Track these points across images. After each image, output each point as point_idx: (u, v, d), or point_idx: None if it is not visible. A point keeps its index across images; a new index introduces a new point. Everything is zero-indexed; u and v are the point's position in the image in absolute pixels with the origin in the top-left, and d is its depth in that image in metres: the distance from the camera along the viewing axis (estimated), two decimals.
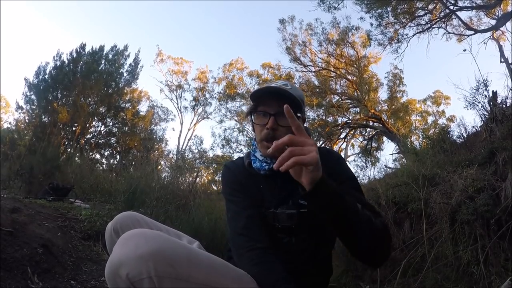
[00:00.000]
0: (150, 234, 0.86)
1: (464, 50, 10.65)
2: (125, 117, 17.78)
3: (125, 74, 16.96)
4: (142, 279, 0.79)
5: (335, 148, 16.09)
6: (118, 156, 17.55)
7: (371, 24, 11.96)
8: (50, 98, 14.60)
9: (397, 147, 12.28)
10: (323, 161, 1.19)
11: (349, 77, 15.06)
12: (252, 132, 1.34)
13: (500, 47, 10.13)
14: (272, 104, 1.16)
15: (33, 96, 14.99)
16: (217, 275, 0.90)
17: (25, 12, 39.09)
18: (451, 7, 10.13)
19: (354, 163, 17.82)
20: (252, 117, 1.21)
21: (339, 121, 14.71)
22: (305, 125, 1.33)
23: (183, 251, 0.87)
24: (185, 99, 23.25)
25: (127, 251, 0.81)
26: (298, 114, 1.20)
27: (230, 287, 0.91)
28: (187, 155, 19.95)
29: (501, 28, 10.13)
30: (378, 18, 11.56)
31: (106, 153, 18.08)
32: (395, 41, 11.67)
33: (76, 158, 12.31)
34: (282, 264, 1.03)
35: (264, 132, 1.16)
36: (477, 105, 4.70)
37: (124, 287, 0.80)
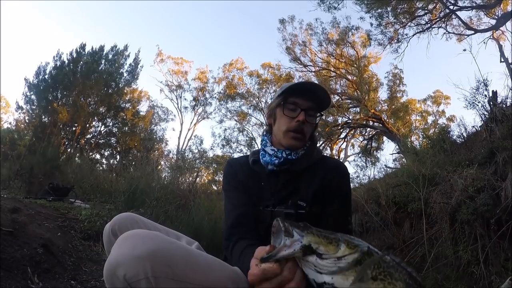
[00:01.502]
0: (148, 235, 0.86)
1: (464, 50, 10.68)
2: (125, 117, 17.78)
3: (125, 74, 16.95)
4: (139, 280, 0.79)
5: (335, 148, 16.11)
6: (118, 156, 17.56)
7: (371, 24, 11.98)
8: (50, 98, 14.61)
9: (397, 147, 12.29)
10: (328, 171, 1.22)
11: (349, 77, 15.07)
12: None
13: (500, 47, 10.14)
14: (303, 99, 1.24)
15: (33, 96, 14.99)
16: (214, 276, 0.90)
17: (25, 12, 39.12)
18: (451, 7, 10.14)
19: (354, 163, 17.84)
20: (283, 109, 1.25)
21: (339, 121, 14.71)
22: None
23: (180, 251, 0.87)
24: (185, 99, 23.22)
25: (125, 251, 0.81)
26: (321, 113, 1.31)
27: (227, 286, 0.91)
28: (187, 155, 19.95)
29: (501, 28, 10.14)
30: (378, 18, 11.56)
31: (106, 153, 18.08)
32: (395, 41, 11.68)
33: (76, 158, 12.32)
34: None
35: (294, 124, 1.22)
36: (477, 105, 4.71)
37: None
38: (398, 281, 0.69)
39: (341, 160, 16.14)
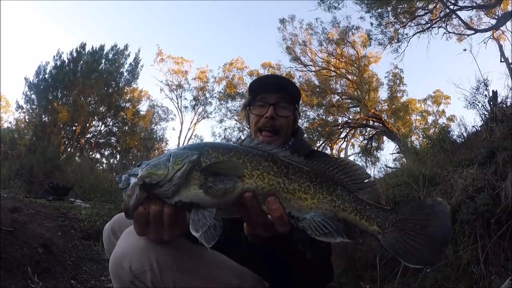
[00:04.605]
0: None
1: (464, 50, 10.61)
2: (125, 117, 17.79)
3: (125, 74, 16.97)
4: (145, 271, 0.79)
5: (335, 147, 16.10)
6: (118, 156, 17.57)
7: (371, 24, 11.98)
8: (50, 98, 14.61)
9: (397, 146, 12.29)
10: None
11: (349, 76, 15.05)
12: (247, 127, 1.34)
13: (500, 47, 10.14)
14: (272, 94, 1.20)
15: (33, 96, 15.01)
16: (219, 269, 0.91)
17: (25, 12, 39.13)
18: (451, 7, 10.13)
19: None
20: (250, 109, 1.23)
21: (339, 121, 14.70)
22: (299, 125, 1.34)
23: (185, 245, 0.87)
24: (185, 98, 23.17)
25: (130, 243, 0.82)
26: (296, 105, 1.26)
27: (231, 281, 0.91)
28: None
29: (501, 28, 10.13)
30: (378, 18, 11.56)
31: (106, 153, 18.11)
32: (395, 40, 11.67)
33: (76, 158, 12.34)
34: None
35: (263, 120, 1.18)
36: (477, 105, 4.72)
37: (127, 280, 0.81)
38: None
39: None
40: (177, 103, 23.09)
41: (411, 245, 0.71)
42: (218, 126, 26.72)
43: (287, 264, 0.90)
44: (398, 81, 16.23)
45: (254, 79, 1.32)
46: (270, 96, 1.20)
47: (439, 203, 0.74)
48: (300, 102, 1.33)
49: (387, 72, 16.26)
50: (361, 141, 17.36)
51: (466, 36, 10.77)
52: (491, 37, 10.50)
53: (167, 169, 0.72)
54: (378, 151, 17.17)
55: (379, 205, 0.76)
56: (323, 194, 0.74)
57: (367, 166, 16.23)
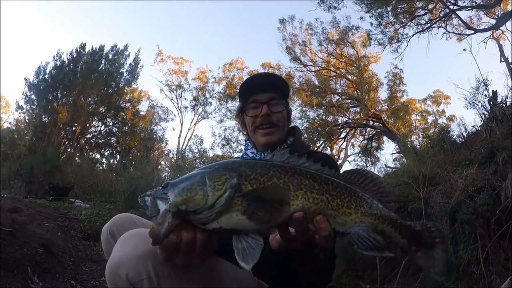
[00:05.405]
0: None
1: (464, 50, 10.57)
2: (125, 117, 17.77)
3: (125, 74, 16.95)
4: (142, 279, 0.78)
5: (335, 147, 16.10)
6: (118, 156, 17.57)
7: (371, 24, 11.97)
8: (50, 98, 14.60)
9: (397, 146, 12.28)
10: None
11: (349, 76, 15.04)
12: (244, 133, 1.37)
13: (500, 47, 10.12)
14: (262, 93, 1.24)
15: (33, 96, 14.99)
16: (217, 275, 0.90)
17: (25, 12, 39.13)
18: (451, 7, 10.12)
19: (354, 163, 17.83)
20: (245, 113, 1.28)
21: (339, 121, 14.70)
22: (295, 125, 1.37)
23: None
24: (185, 98, 23.15)
25: (127, 251, 0.80)
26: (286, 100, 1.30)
27: (231, 286, 0.91)
28: (187, 155, 19.95)
29: (501, 28, 10.13)
30: (378, 18, 11.55)
31: (106, 153, 18.09)
32: (395, 40, 11.66)
33: (76, 158, 12.33)
34: None
35: (259, 119, 1.23)
36: (477, 105, 4.72)
37: None
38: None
39: (341, 160, 16.14)
40: (177, 103, 23.11)
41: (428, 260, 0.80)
42: (218, 126, 26.68)
43: (297, 265, 0.90)
44: (398, 81, 16.22)
45: (241, 84, 1.37)
46: (261, 95, 1.24)
47: (442, 230, 0.84)
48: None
49: (387, 72, 16.26)
50: (361, 141, 17.36)
51: (466, 36, 10.77)
52: (491, 37, 10.50)
53: (205, 195, 0.67)
54: (378, 151, 17.18)
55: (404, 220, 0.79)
56: (364, 207, 0.75)
57: (367, 166, 16.25)
